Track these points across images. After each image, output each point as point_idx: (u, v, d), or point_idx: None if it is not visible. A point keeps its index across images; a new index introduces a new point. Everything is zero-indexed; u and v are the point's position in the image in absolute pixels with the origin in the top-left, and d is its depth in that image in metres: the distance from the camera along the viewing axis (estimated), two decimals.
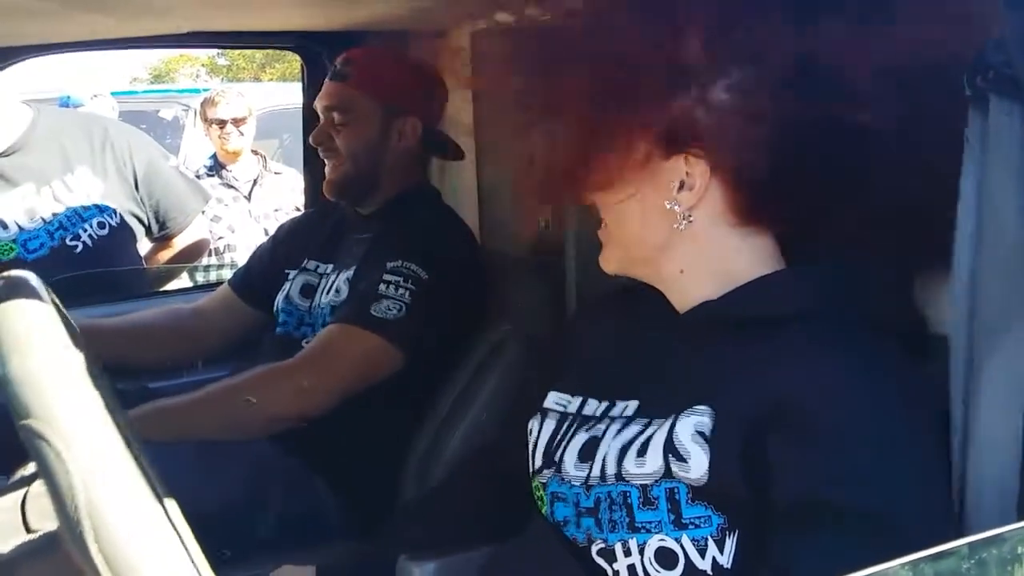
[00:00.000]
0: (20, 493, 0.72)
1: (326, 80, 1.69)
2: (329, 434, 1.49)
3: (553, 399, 1.02)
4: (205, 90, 4.47)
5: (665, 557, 0.85)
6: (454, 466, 1.48)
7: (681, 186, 0.90)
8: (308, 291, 1.72)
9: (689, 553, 0.84)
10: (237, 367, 1.66)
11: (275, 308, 1.74)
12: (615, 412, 0.94)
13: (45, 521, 0.65)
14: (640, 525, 0.86)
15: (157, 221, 2.30)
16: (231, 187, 3.49)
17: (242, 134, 3.44)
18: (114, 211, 2.17)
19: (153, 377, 1.78)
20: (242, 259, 3.34)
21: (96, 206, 2.16)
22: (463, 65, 1.83)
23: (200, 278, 2.95)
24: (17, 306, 0.60)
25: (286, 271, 1.77)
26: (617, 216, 0.94)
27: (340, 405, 1.47)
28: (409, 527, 1.20)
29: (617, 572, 0.88)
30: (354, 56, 1.68)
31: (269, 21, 1.79)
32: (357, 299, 1.53)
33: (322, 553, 1.26)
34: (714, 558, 0.84)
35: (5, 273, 0.68)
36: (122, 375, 1.68)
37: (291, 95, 4.98)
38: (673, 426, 0.86)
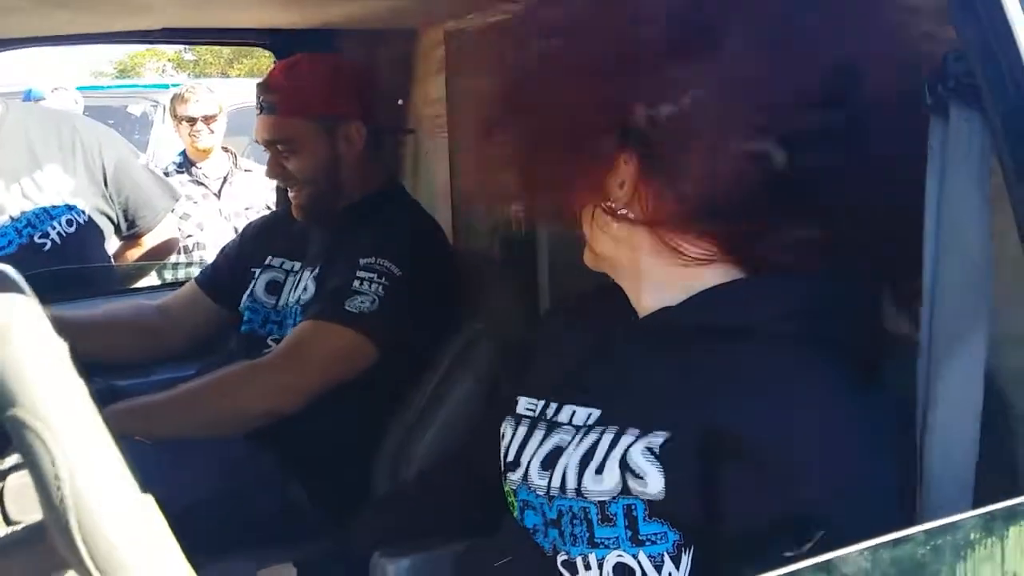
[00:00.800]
0: None
1: (257, 115, 1.67)
2: (302, 431, 1.49)
3: (524, 404, 1.03)
4: (174, 85, 4.42)
5: (623, 572, 0.86)
6: (427, 463, 1.49)
7: (622, 185, 0.91)
8: (273, 288, 1.71)
9: (646, 569, 0.85)
10: (204, 366, 1.66)
11: (240, 306, 1.73)
12: (578, 420, 0.95)
13: (26, 513, 0.65)
14: (599, 541, 0.87)
15: (126, 219, 2.29)
16: (201, 184, 3.46)
17: (212, 132, 3.41)
18: (83, 209, 2.16)
19: (119, 375, 1.77)
20: (211, 257, 3.34)
21: (65, 204, 2.15)
22: (437, 64, 1.85)
23: (168, 276, 2.93)
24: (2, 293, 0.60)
25: (252, 269, 1.76)
26: (582, 215, 0.96)
27: (314, 402, 1.47)
28: (383, 523, 1.21)
29: None
30: (273, 84, 1.66)
31: (243, 18, 1.79)
32: (330, 295, 1.54)
33: (297, 550, 1.26)
34: (670, 573, 0.85)
35: None
36: (86, 371, 1.66)
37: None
38: (629, 444, 0.87)
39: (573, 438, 0.93)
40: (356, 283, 1.51)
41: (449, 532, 1.14)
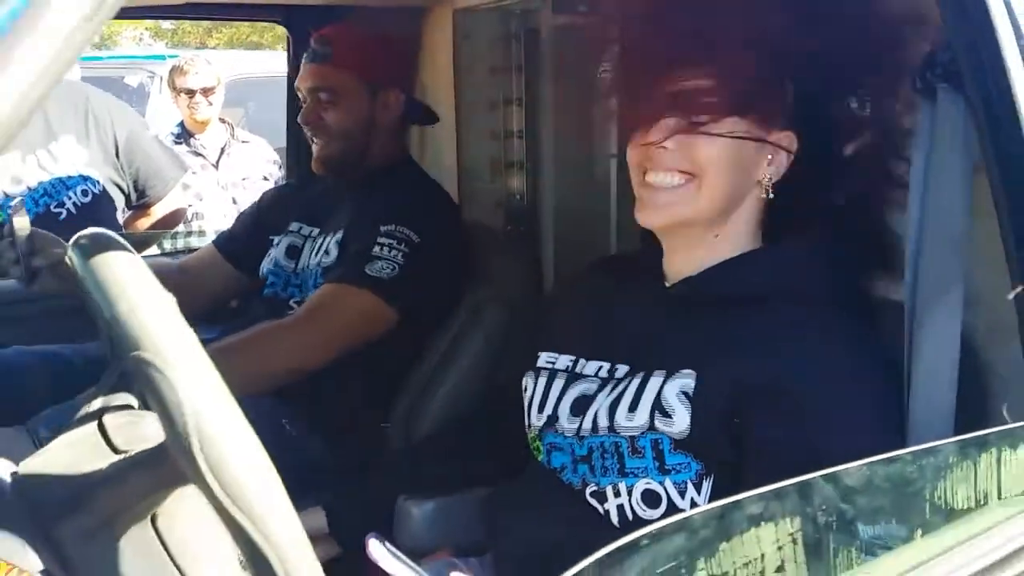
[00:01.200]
0: (90, 426, 0.81)
1: (304, 61, 1.75)
2: (324, 389, 1.58)
3: (544, 358, 1.14)
4: (171, 56, 4.45)
5: (650, 498, 0.98)
6: (439, 419, 1.58)
7: (772, 157, 1.01)
8: (293, 252, 1.79)
9: (671, 494, 0.97)
10: (228, 328, 1.74)
11: (261, 272, 1.81)
12: (605, 374, 1.06)
13: (133, 443, 0.74)
14: (629, 471, 0.99)
15: (136, 189, 2.36)
16: (199, 155, 3.51)
17: (211, 104, 3.46)
18: (96, 179, 2.23)
19: None
20: (210, 227, 3.40)
21: (80, 174, 2.22)
22: (445, 42, 1.93)
23: (168, 245, 3.00)
24: (114, 256, 0.69)
25: (271, 237, 1.84)
26: (716, 161, 1.00)
27: (335, 361, 1.56)
28: (408, 468, 1.31)
29: (607, 511, 1.00)
30: (330, 35, 1.74)
31: None
32: (352, 259, 1.62)
33: (323, 497, 1.35)
34: (692, 498, 0.96)
35: (83, 232, 0.77)
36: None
37: (256, 64, 5.00)
38: (662, 386, 0.98)
39: (603, 388, 1.03)
40: (377, 248, 1.59)
41: (472, 478, 1.24)
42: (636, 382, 1.01)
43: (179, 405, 0.62)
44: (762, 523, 0.60)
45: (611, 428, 1.00)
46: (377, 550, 0.94)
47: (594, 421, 1.02)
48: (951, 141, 0.90)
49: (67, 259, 0.79)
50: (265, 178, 3.60)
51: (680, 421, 0.96)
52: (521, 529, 1.08)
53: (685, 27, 1.00)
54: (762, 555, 0.60)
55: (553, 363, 1.13)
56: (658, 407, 0.98)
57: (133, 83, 4.61)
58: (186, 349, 0.64)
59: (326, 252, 1.71)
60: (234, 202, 3.50)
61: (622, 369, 1.05)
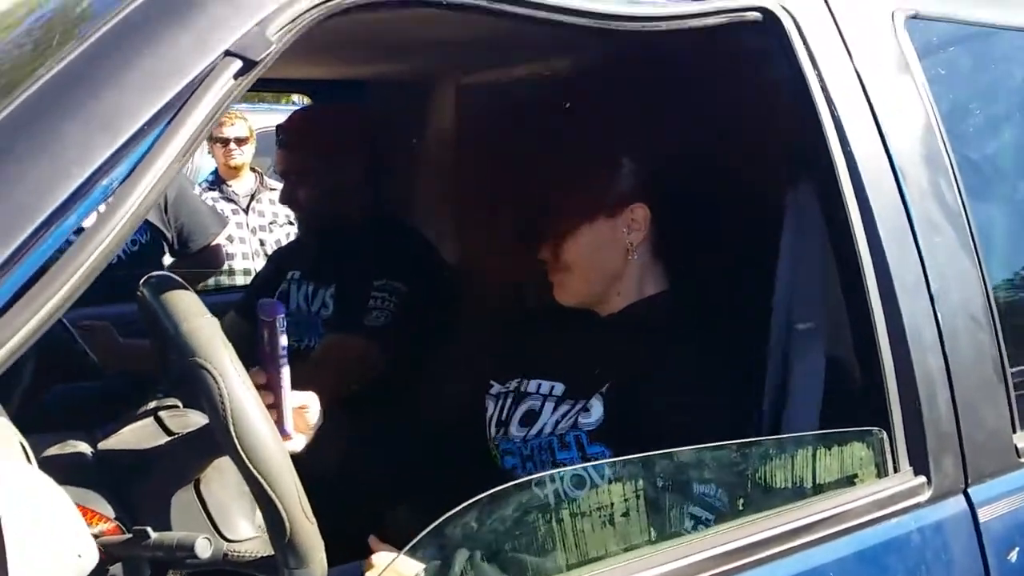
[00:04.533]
0: (149, 419, 1.10)
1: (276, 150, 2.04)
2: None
3: (498, 387, 1.41)
4: None
5: (577, 481, 1.24)
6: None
7: (628, 229, 1.29)
8: (282, 296, 2.04)
9: (593, 477, 1.23)
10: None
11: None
12: (545, 391, 1.34)
13: (183, 428, 1.02)
14: (560, 462, 1.25)
15: (179, 240, 2.67)
16: (231, 201, 3.81)
17: (243, 152, 3.78)
18: (145, 230, 2.53)
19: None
20: (238, 266, 3.69)
21: None
22: (450, 113, 2.22)
23: (210, 283, 3.31)
24: (178, 291, 0.97)
25: (279, 288, 2.10)
26: (582, 259, 1.31)
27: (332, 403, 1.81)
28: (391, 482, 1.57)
29: (546, 495, 1.26)
30: (285, 124, 2.05)
31: (290, 71, 2.16)
32: (351, 312, 1.88)
33: None
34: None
35: (153, 274, 1.06)
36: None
37: (282, 118, 5.30)
38: (588, 401, 1.26)
39: (545, 404, 1.31)
40: (372, 301, 1.86)
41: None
42: (573, 403, 1.28)
43: (222, 396, 0.90)
44: (614, 482, 0.87)
45: (550, 434, 1.27)
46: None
47: (540, 429, 1.29)
48: (810, 217, 1.17)
49: (139, 293, 1.07)
50: (290, 222, 3.89)
51: (596, 414, 1.23)
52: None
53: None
54: (612, 503, 0.86)
55: (507, 387, 1.40)
56: (583, 408, 1.25)
57: None
58: (228, 358, 0.92)
59: (324, 305, 1.97)
60: (262, 244, 3.79)
61: (559, 387, 1.32)
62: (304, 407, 1.27)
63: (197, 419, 1.05)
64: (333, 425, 1.83)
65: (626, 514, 0.89)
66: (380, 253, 1.98)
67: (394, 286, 1.89)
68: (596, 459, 1.23)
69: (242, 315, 2.17)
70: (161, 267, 2.64)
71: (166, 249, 2.65)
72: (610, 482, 0.89)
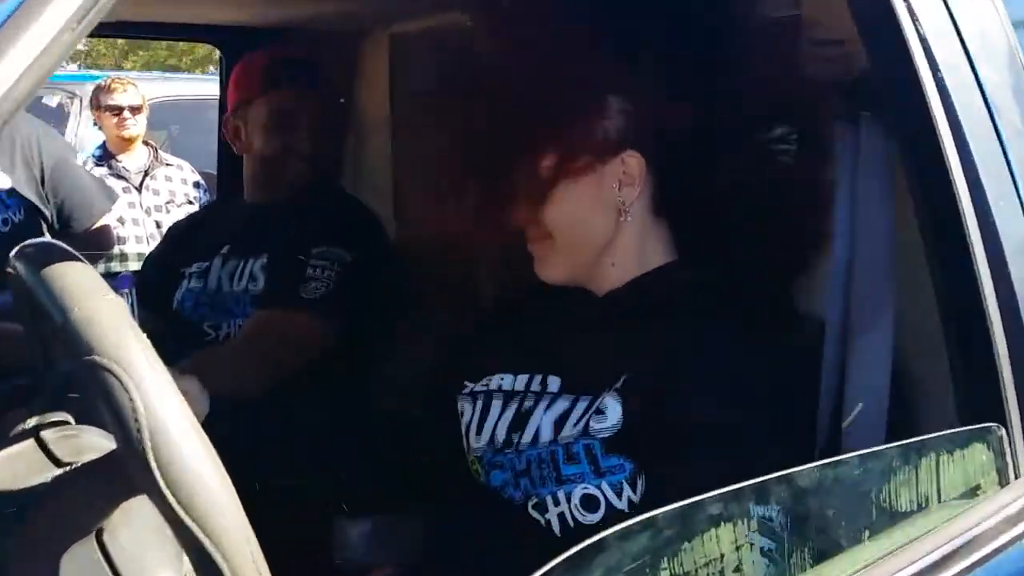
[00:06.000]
0: (28, 442, 0.80)
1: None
2: (264, 415, 1.55)
3: (473, 386, 1.15)
4: (92, 77, 4.36)
5: (588, 503, 1.00)
6: (382, 439, 1.57)
7: (619, 184, 1.04)
8: (202, 273, 1.75)
9: (608, 496, 0.99)
10: None
11: (176, 303, 1.77)
12: (537, 387, 1.08)
13: (78, 455, 0.73)
14: (566, 478, 1.00)
15: (60, 219, 2.29)
16: (121, 178, 3.44)
17: (136, 122, 3.42)
18: (19, 207, 2.16)
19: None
20: (131, 250, 3.32)
21: (2, 203, 2.15)
22: (381, 66, 1.94)
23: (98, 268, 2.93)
24: (67, 264, 0.68)
25: (181, 270, 1.79)
26: (565, 223, 1.05)
27: (272, 389, 1.54)
28: (345, 487, 1.30)
29: (548, 521, 1.02)
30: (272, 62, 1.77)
31: (193, 13, 1.84)
32: (285, 283, 1.61)
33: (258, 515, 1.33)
34: (629, 498, 0.99)
35: (29, 241, 0.76)
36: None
37: (178, 87, 4.93)
38: (598, 399, 1.01)
39: (538, 402, 1.05)
40: (310, 270, 1.59)
41: (410, 499, 1.24)
42: (573, 399, 1.03)
43: (134, 410, 0.61)
44: (721, 523, 0.63)
45: (553, 440, 1.02)
46: None
47: (535, 435, 1.03)
48: (874, 165, 0.95)
49: (9, 269, 0.77)
50: (190, 201, 3.54)
51: (612, 415, 0.98)
52: (463, 548, 1.09)
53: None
54: (721, 555, 0.62)
55: (487, 385, 1.14)
56: (595, 410, 1.00)
57: (52, 103, 4.49)
58: (143, 354, 0.64)
59: (252, 278, 1.68)
60: (158, 226, 3.43)
61: (554, 381, 1.07)
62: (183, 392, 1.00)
63: (97, 441, 0.76)
64: (263, 419, 1.56)
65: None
66: (319, 218, 1.70)
67: (336, 253, 1.62)
68: (613, 472, 0.99)
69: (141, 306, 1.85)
70: None
71: (44, 229, 2.27)
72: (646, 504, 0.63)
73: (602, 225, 1.06)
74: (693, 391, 0.96)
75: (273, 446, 1.59)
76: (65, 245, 0.73)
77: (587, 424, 1.00)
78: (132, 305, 0.85)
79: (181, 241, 1.88)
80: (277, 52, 1.80)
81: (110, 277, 2.25)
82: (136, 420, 0.61)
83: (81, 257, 0.71)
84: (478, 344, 1.26)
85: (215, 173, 2.29)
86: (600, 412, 0.99)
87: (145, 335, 0.65)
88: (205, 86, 4.38)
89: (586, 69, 1.01)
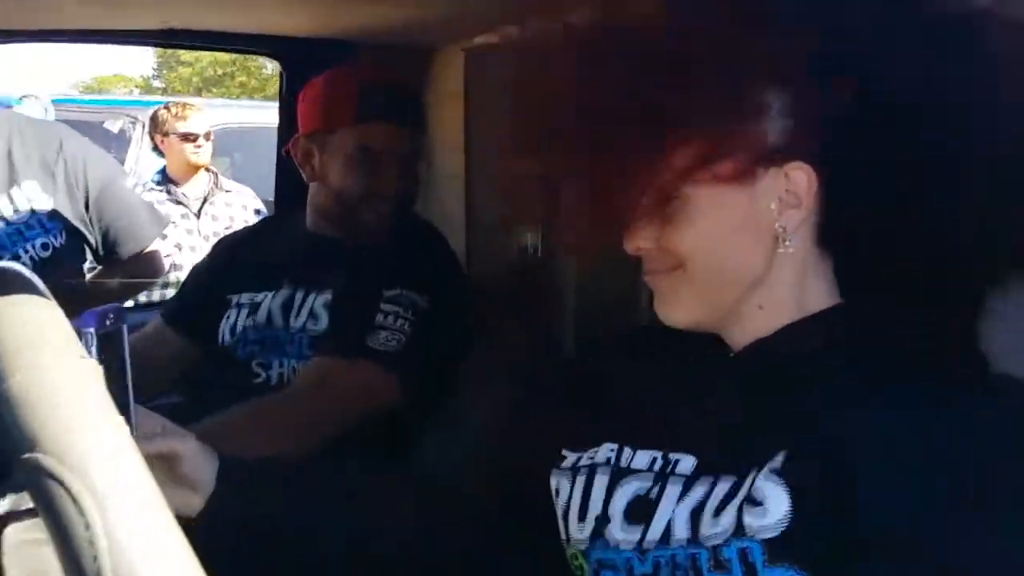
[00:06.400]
0: None
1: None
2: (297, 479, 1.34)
3: (575, 456, 0.91)
4: (151, 103, 4.27)
5: None
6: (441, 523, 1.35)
7: (779, 204, 0.80)
8: (252, 309, 1.54)
9: None
10: (180, 392, 1.51)
11: (220, 336, 1.57)
12: (666, 468, 0.83)
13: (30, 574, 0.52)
14: None
15: (105, 245, 2.12)
16: (180, 204, 3.32)
17: (207, 149, 3.34)
18: (60, 231, 2.00)
19: None
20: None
21: (41, 224, 1.99)
22: (454, 84, 1.75)
23: (143, 298, 2.78)
24: (16, 305, 0.47)
25: (228, 296, 1.58)
26: (702, 249, 0.81)
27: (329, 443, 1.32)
28: None
29: None
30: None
31: (251, 22, 1.67)
32: (352, 329, 1.40)
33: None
34: None
35: None
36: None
37: (243, 114, 4.84)
38: (746, 482, 0.76)
39: (667, 488, 0.80)
40: (380, 316, 1.37)
41: None
42: (712, 481, 0.78)
43: (88, 542, 0.40)
44: None
45: (691, 540, 0.77)
46: None
47: (667, 531, 0.78)
48: None
49: None
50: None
51: (776, 508, 0.73)
52: None
53: None
54: None
55: (593, 457, 0.90)
56: (747, 499, 0.75)
57: (114, 128, 4.42)
58: (108, 455, 0.42)
59: (312, 315, 1.47)
60: None
61: (688, 462, 0.82)
62: (174, 454, 0.83)
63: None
64: (314, 485, 1.34)
65: None
66: (395, 255, 1.47)
67: (411, 298, 1.40)
68: None
69: (174, 325, 1.65)
70: (81, 275, 2.10)
71: (88, 255, 2.10)
72: None
73: (753, 255, 0.80)
74: (888, 479, 0.70)
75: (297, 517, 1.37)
76: (23, 270, 0.52)
77: (739, 518, 0.74)
78: (124, 351, 0.64)
79: (229, 263, 1.67)
80: (370, 74, 1.56)
81: (152, 307, 2.09)
82: (95, 559, 0.40)
83: (46, 293, 0.50)
84: (576, 405, 1.02)
85: None
86: (756, 503, 0.74)
87: (117, 414, 0.44)
88: (269, 113, 4.28)
89: (754, 49, 0.77)
